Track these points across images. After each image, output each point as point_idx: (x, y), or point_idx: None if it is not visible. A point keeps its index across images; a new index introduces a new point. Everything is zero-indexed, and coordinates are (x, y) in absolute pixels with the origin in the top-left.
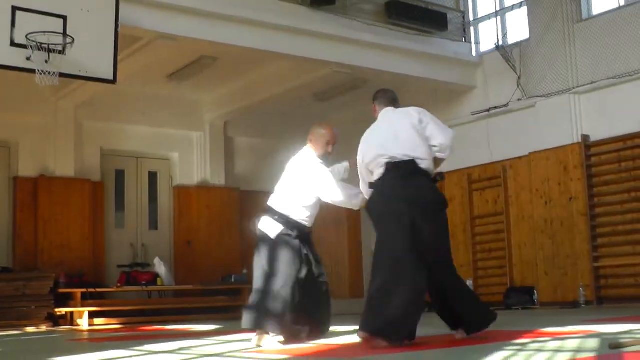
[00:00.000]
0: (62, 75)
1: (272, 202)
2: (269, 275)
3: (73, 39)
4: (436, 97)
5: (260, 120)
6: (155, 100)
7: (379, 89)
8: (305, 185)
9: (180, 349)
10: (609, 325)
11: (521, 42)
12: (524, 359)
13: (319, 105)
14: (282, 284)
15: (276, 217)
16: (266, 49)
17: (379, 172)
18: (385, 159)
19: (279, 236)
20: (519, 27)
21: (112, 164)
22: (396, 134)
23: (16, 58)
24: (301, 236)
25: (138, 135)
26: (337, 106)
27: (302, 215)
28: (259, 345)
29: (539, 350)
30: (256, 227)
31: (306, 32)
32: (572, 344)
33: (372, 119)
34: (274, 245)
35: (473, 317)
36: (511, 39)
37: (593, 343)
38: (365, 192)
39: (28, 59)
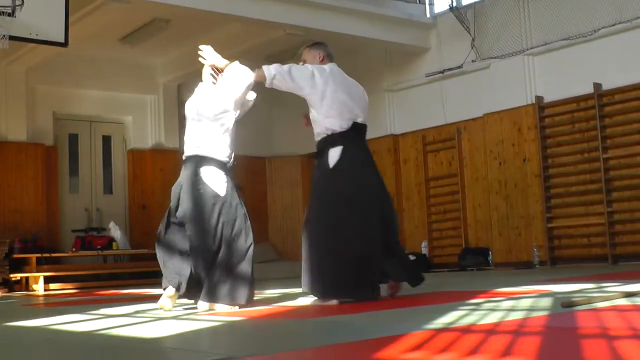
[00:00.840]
0: (12, 38)
1: (192, 149)
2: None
3: (22, 1)
4: (390, 59)
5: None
6: (109, 63)
7: (320, 41)
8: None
9: (137, 312)
10: (562, 285)
11: (475, 3)
12: (478, 318)
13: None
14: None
15: (210, 165)
16: (219, 10)
17: (341, 125)
18: (359, 119)
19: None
20: None
21: (66, 128)
22: (362, 97)
23: None
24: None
25: (91, 99)
26: None
27: (226, 151)
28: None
29: (493, 310)
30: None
31: None
32: (526, 303)
33: None
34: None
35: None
36: (465, 1)
37: (546, 302)
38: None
39: None
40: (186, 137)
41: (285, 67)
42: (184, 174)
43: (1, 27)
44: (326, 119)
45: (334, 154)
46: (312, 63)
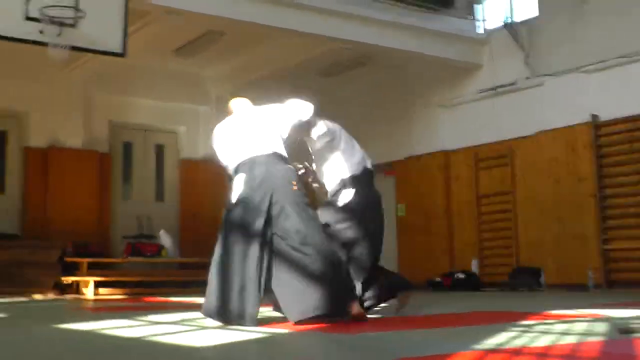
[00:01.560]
0: (73, 48)
1: None
2: None
3: (84, 13)
4: (442, 75)
5: (266, 94)
6: (163, 74)
7: None
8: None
9: (183, 320)
10: (619, 310)
11: (529, 19)
12: (529, 340)
13: (324, 80)
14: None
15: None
16: (272, 24)
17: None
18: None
19: None
20: (527, 4)
21: (120, 136)
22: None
23: (29, 31)
24: None
25: (146, 109)
26: (342, 82)
27: None
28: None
29: (545, 332)
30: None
31: (312, 8)
32: (580, 327)
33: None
34: None
35: None
36: (519, 17)
37: (601, 327)
38: None
39: (41, 32)
40: None
41: None
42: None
43: (63, 37)
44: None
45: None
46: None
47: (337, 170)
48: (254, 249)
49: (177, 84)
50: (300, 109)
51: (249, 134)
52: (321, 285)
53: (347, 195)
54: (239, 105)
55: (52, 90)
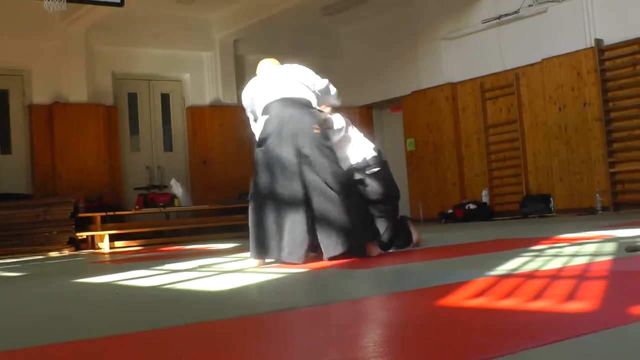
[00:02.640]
0: (69, 0)
1: None
2: None
3: None
4: (446, 8)
5: (270, 36)
6: (165, 21)
7: None
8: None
9: (200, 266)
10: (626, 230)
11: None
12: (541, 264)
13: (327, 19)
14: None
15: None
16: None
17: None
18: None
19: None
20: None
21: (125, 87)
22: None
23: None
24: None
25: (149, 58)
26: (346, 20)
27: None
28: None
29: (556, 256)
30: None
31: None
32: (589, 248)
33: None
34: None
35: None
36: None
37: (610, 247)
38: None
39: None
40: None
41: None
42: None
43: None
44: None
45: None
46: None
47: (361, 149)
48: (297, 190)
49: (179, 31)
50: (335, 94)
51: (278, 81)
52: (350, 224)
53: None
54: (268, 64)
55: (52, 45)
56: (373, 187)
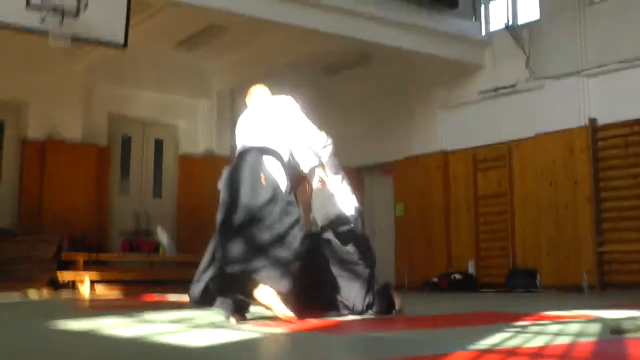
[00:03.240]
0: (74, 39)
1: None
2: None
3: (87, 3)
4: (443, 76)
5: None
6: (164, 66)
7: None
8: None
9: (182, 319)
10: (611, 311)
11: (531, 22)
12: (524, 341)
13: (325, 78)
14: None
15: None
16: (275, 19)
17: None
18: None
19: None
20: (529, 7)
21: (120, 129)
22: None
23: (30, 19)
24: None
25: (146, 101)
26: (343, 80)
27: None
28: None
29: (540, 333)
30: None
31: (315, 4)
32: (573, 328)
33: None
34: None
35: None
36: (521, 19)
37: (594, 328)
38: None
39: (42, 21)
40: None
41: None
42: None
43: (65, 27)
44: None
45: None
46: None
47: (345, 203)
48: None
49: (177, 77)
50: (319, 141)
51: (253, 125)
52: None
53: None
54: (257, 94)
55: (51, 81)
56: (343, 247)
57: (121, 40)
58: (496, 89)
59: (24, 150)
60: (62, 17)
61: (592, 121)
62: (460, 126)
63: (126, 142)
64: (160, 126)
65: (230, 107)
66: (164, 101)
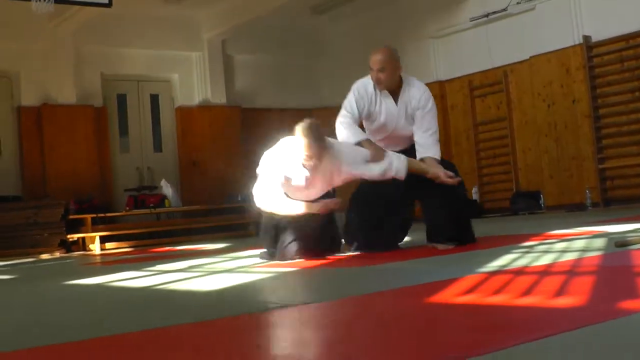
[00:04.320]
0: (57, 1)
1: None
2: None
3: None
4: (433, 5)
5: (259, 36)
6: (153, 21)
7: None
8: None
9: (191, 267)
10: (616, 225)
11: None
12: (531, 260)
13: (316, 17)
14: None
15: None
16: None
17: None
18: None
19: None
20: None
21: (114, 88)
22: None
23: None
24: None
25: (138, 58)
26: (335, 18)
27: None
28: None
29: (546, 252)
30: None
31: None
32: (579, 244)
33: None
34: None
35: None
36: None
37: (599, 242)
38: None
39: None
40: None
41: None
42: None
43: None
44: None
45: None
46: None
47: None
48: None
49: (167, 31)
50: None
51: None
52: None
53: None
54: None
55: (40, 47)
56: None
57: None
58: (487, 15)
59: (21, 118)
60: None
61: (586, 39)
62: (454, 55)
63: (122, 100)
64: (154, 81)
65: (221, 56)
66: (156, 56)
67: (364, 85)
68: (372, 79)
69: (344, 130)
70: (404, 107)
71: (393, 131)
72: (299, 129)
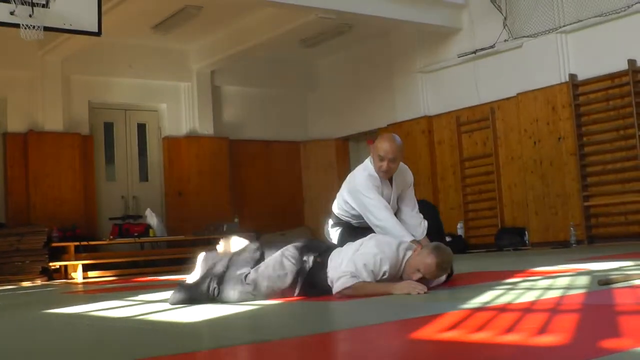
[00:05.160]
0: (46, 29)
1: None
2: None
3: None
4: (422, 41)
5: (247, 68)
6: (142, 51)
7: None
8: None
9: None
10: (599, 263)
11: None
12: (514, 297)
13: (305, 51)
14: None
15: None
16: None
17: None
18: None
19: None
20: None
21: (101, 117)
22: None
23: (0, 13)
24: None
25: (126, 87)
26: (324, 52)
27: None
28: None
29: (530, 289)
30: None
31: None
32: (563, 281)
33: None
34: None
35: None
36: None
37: (583, 280)
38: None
39: (12, 13)
40: None
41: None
42: None
43: (36, 18)
44: None
45: None
46: None
47: None
48: None
49: (156, 61)
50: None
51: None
52: None
53: None
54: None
55: (28, 73)
56: None
57: (95, 28)
58: (475, 51)
59: (6, 144)
60: (32, 8)
61: (572, 77)
62: (442, 90)
63: (109, 129)
64: (142, 111)
65: (210, 87)
66: (144, 86)
67: (370, 174)
68: (377, 166)
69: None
70: (397, 189)
71: None
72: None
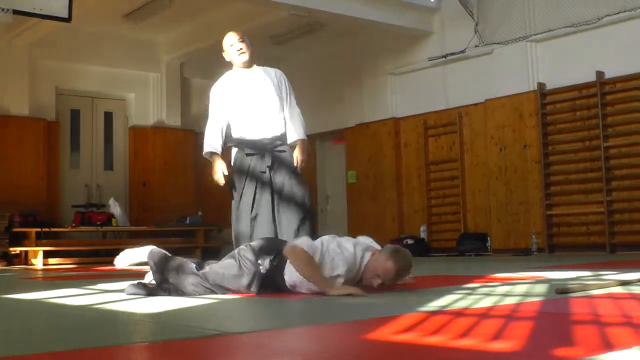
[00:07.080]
0: (16, 12)
1: None
2: None
3: None
4: (393, 43)
5: (217, 61)
6: (112, 40)
7: None
8: None
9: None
10: (558, 272)
11: None
12: (472, 302)
13: (275, 48)
14: None
15: None
16: None
17: None
18: None
19: None
20: None
21: (68, 103)
22: None
23: None
24: None
25: (94, 75)
26: (294, 49)
27: None
28: None
29: (488, 295)
30: None
31: None
32: (521, 288)
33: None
34: None
35: None
36: None
37: (541, 288)
38: None
39: None
40: None
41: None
42: None
43: (5, 1)
44: None
45: None
46: None
47: None
48: None
49: (126, 50)
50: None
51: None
52: None
53: None
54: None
55: None
56: None
57: (65, 13)
58: (445, 55)
59: None
60: None
61: (541, 85)
62: (410, 93)
63: (75, 116)
64: (109, 99)
65: (179, 78)
66: (113, 74)
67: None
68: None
69: None
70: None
71: None
72: None
